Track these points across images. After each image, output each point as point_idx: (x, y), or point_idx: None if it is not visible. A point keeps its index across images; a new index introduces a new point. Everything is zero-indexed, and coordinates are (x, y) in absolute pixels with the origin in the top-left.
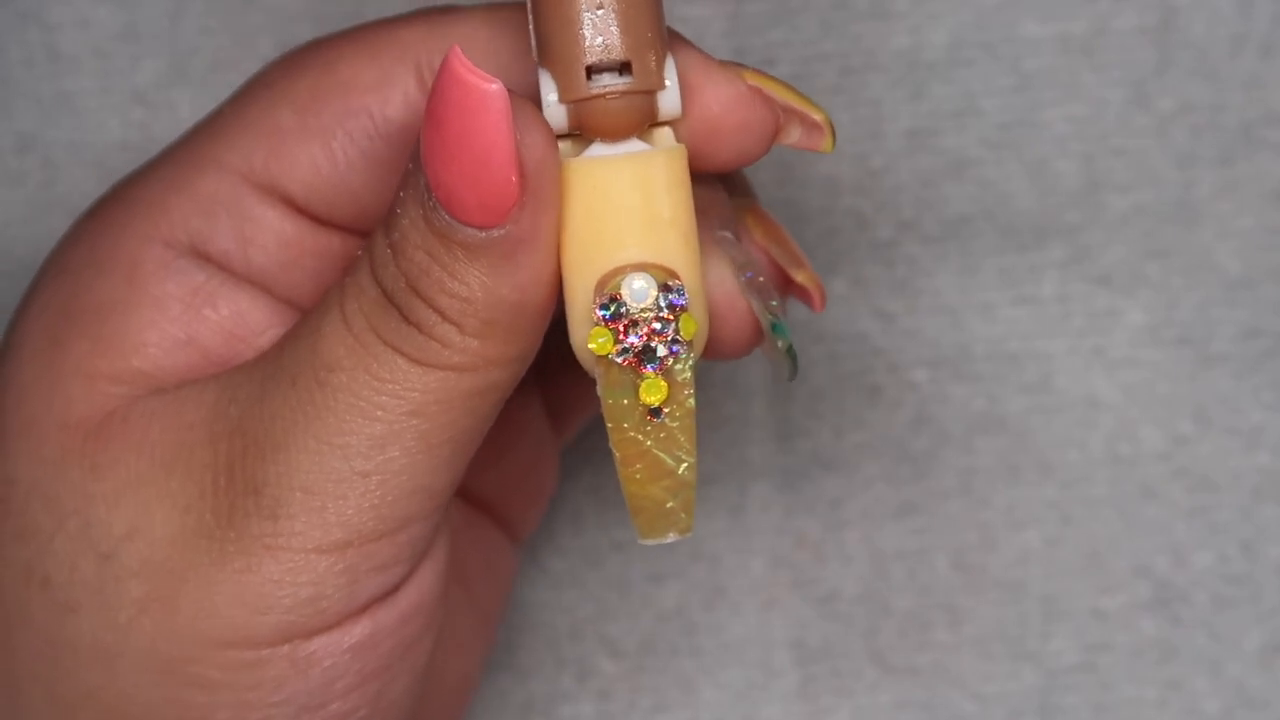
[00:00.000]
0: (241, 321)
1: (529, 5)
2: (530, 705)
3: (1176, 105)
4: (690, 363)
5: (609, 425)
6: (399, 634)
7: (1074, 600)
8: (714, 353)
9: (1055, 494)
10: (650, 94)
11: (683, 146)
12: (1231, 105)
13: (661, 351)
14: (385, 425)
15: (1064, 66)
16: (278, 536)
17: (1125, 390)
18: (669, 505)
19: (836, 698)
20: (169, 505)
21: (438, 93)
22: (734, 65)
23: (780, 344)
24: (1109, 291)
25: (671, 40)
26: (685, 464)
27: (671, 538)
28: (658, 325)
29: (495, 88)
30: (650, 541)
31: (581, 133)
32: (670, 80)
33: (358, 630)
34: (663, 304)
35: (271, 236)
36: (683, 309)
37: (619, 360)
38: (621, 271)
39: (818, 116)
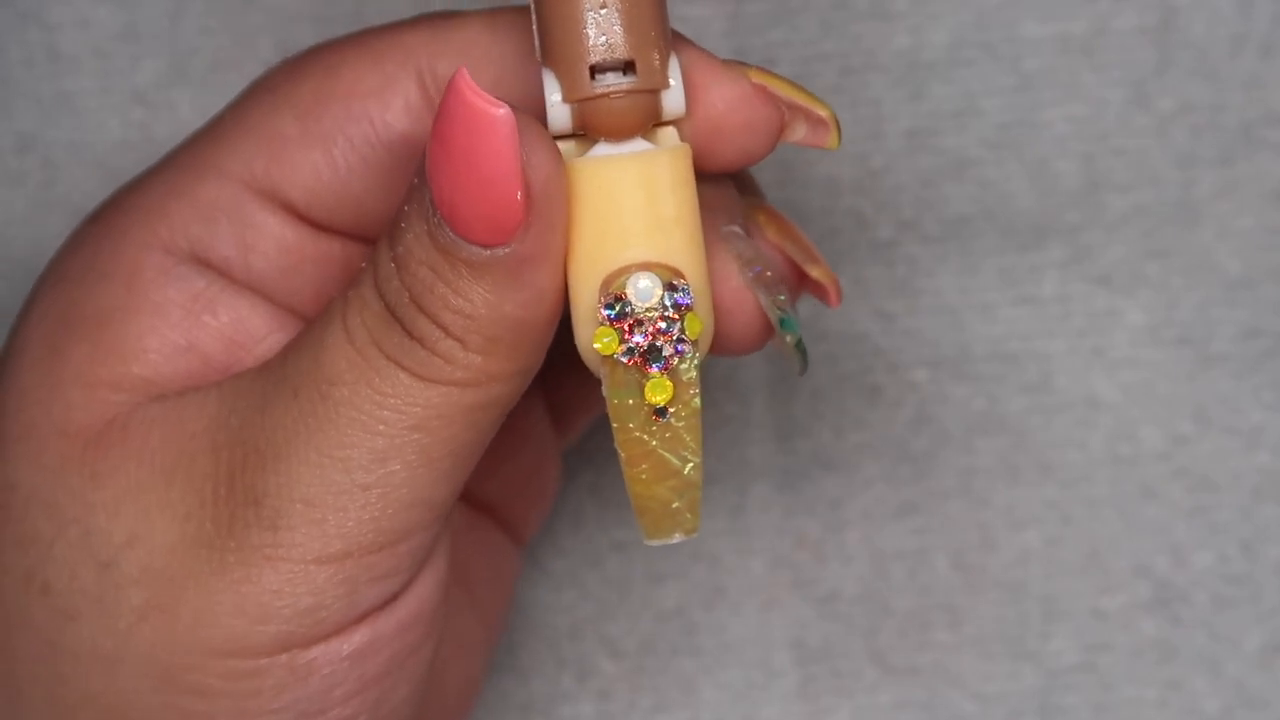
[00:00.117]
0: (242, 328)
1: (532, 6)
2: (530, 705)
3: (1176, 105)
4: (696, 362)
5: (614, 425)
6: (398, 642)
7: (1074, 600)
8: (723, 349)
9: (1055, 494)
10: (654, 93)
11: (687, 146)
12: (1231, 105)
13: (667, 351)
14: (387, 439)
15: (1064, 66)
16: (278, 547)
17: (1125, 390)
18: (675, 505)
19: (836, 698)
20: (169, 514)
21: (444, 113)
22: (738, 64)
23: (789, 339)
24: (1109, 291)
25: (675, 40)
26: (691, 464)
27: (677, 538)
28: (663, 325)
29: (502, 112)
30: (656, 542)
31: (586, 133)
32: (674, 79)
33: (356, 638)
34: (668, 303)
35: (272, 243)
36: (688, 308)
37: (624, 360)
38: (626, 271)
39: (823, 113)
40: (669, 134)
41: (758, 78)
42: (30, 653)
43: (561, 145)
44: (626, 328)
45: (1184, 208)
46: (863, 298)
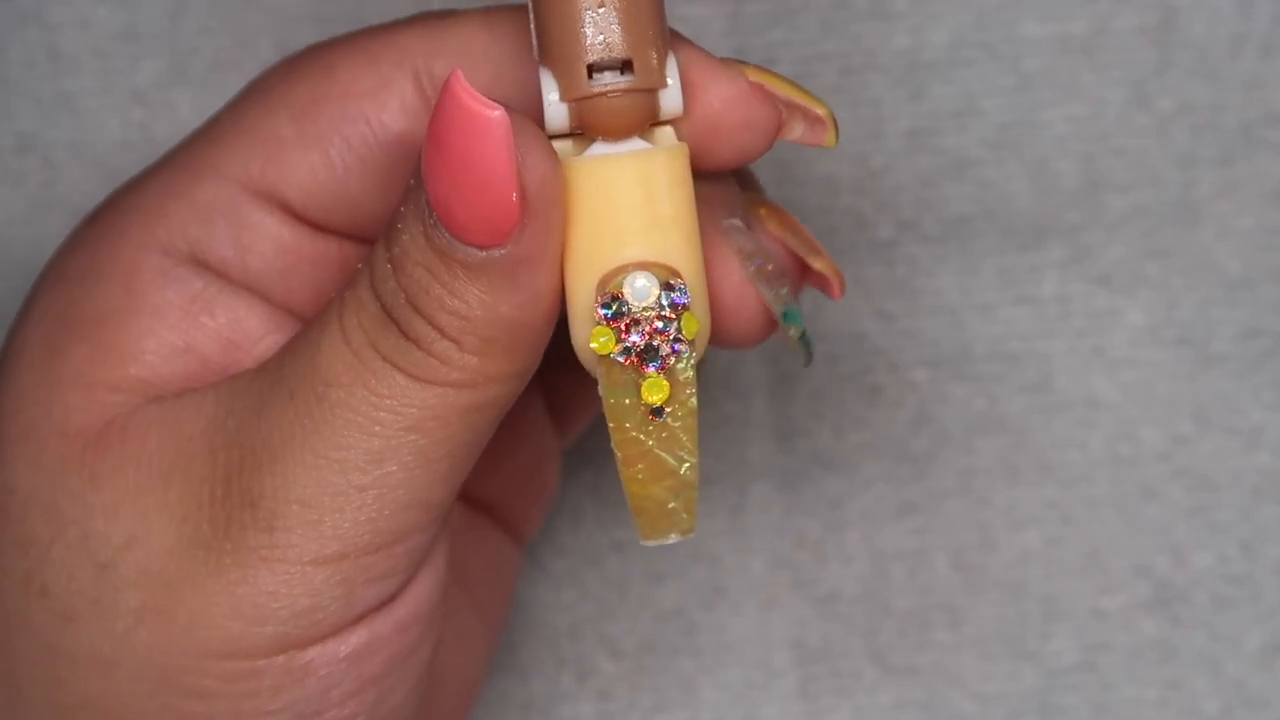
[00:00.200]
0: (239, 328)
1: (530, 4)
2: (530, 705)
3: (1176, 105)
4: (692, 362)
5: (611, 425)
6: (396, 642)
7: (1074, 600)
8: (726, 342)
9: (1055, 494)
10: (652, 92)
11: (684, 145)
12: (1231, 105)
13: (664, 350)
14: (383, 440)
15: (1064, 66)
16: (274, 549)
17: (1125, 390)
18: (671, 505)
19: (836, 698)
20: (167, 516)
21: (439, 115)
22: (735, 62)
23: (793, 331)
24: (1109, 291)
25: (672, 39)
26: (687, 464)
27: (674, 538)
28: (660, 324)
29: (497, 114)
30: (652, 542)
31: (583, 132)
32: (672, 79)
33: (354, 639)
34: (665, 303)
35: (269, 243)
36: (685, 308)
37: (621, 359)
38: (623, 270)
39: (820, 111)
40: (666, 133)
41: (755, 76)
42: (29, 654)
43: (559, 144)
44: (623, 327)
45: (1184, 208)
46: (863, 298)
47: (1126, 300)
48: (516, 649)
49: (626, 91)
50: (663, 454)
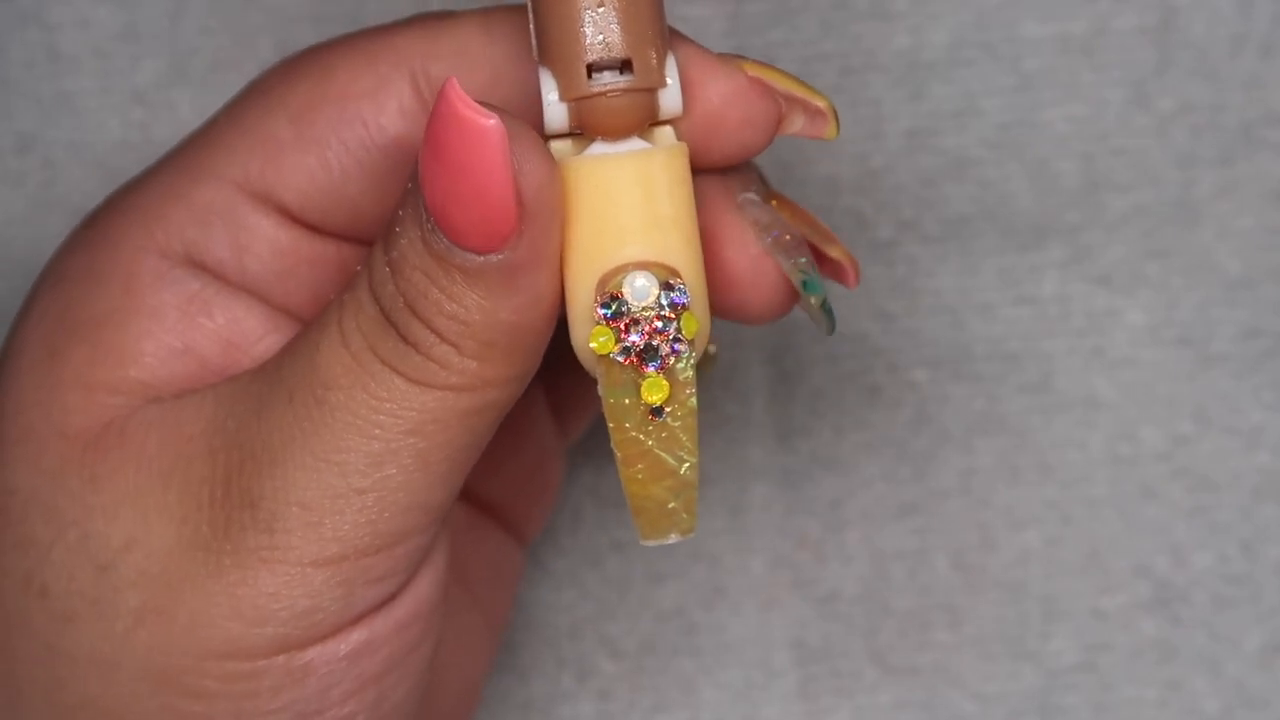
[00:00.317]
0: (238, 329)
1: (529, 4)
2: (530, 705)
3: (1176, 105)
4: (692, 361)
5: (610, 425)
6: (396, 641)
7: (1074, 600)
8: (747, 316)
9: (1055, 494)
10: (651, 92)
11: (684, 144)
12: (1231, 105)
13: (663, 350)
14: (383, 444)
15: (1064, 66)
16: (274, 550)
17: (1125, 390)
18: (671, 506)
19: (836, 698)
20: (166, 517)
21: (435, 123)
22: (734, 58)
23: (814, 300)
24: (1109, 291)
25: (670, 37)
26: (687, 464)
27: (674, 538)
28: (659, 324)
29: (493, 123)
30: (652, 543)
31: (583, 131)
32: (671, 78)
33: (353, 638)
34: (664, 302)
35: (266, 245)
36: (684, 307)
37: (620, 359)
38: (623, 270)
39: (820, 103)
40: (666, 133)
41: (754, 70)
42: (29, 655)
43: (558, 144)
44: (623, 327)
45: (1184, 208)
46: (863, 298)
47: (1126, 300)
48: (517, 649)
49: (626, 91)
50: (662, 454)
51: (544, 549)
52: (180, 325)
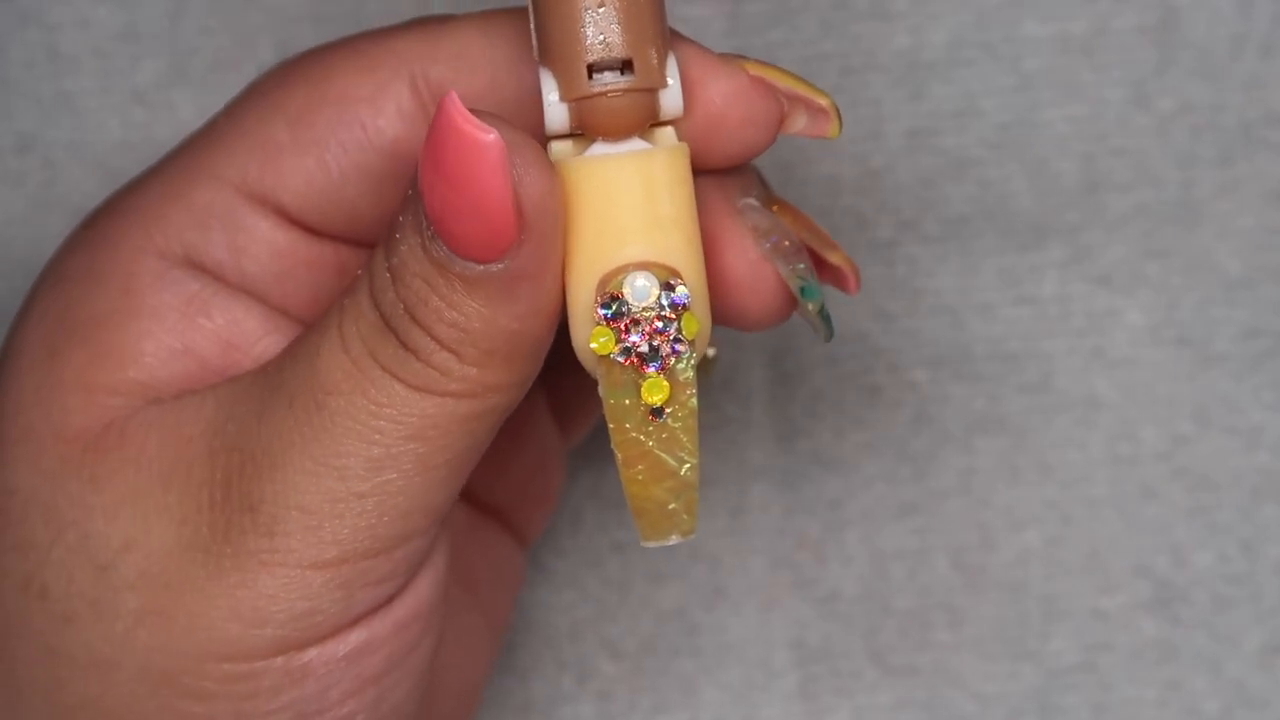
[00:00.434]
0: (237, 330)
1: (530, 4)
2: (530, 706)
3: (1176, 105)
4: (692, 362)
5: (610, 426)
6: (395, 641)
7: (1074, 600)
8: (746, 323)
9: (1055, 494)
10: (652, 92)
11: (685, 145)
12: (1231, 105)
13: (664, 351)
14: (383, 449)
15: (1064, 66)
16: (274, 552)
17: (1125, 390)
18: (671, 507)
19: (836, 698)
20: (166, 519)
21: (434, 137)
22: (735, 57)
23: (812, 306)
24: (1109, 291)
25: (671, 37)
26: (688, 465)
27: (674, 539)
28: (660, 324)
29: (492, 138)
30: (653, 544)
31: (583, 132)
32: (672, 79)
33: (352, 639)
34: (664, 303)
35: (264, 247)
36: (685, 308)
37: (620, 360)
38: (623, 270)
39: (823, 101)
40: (667, 133)
41: (755, 70)
42: (29, 656)
43: (559, 144)
44: (623, 327)
45: (1184, 208)
46: (863, 298)
47: (1126, 300)
48: (517, 650)
49: (626, 91)
50: (663, 455)
51: (544, 550)
52: (180, 326)
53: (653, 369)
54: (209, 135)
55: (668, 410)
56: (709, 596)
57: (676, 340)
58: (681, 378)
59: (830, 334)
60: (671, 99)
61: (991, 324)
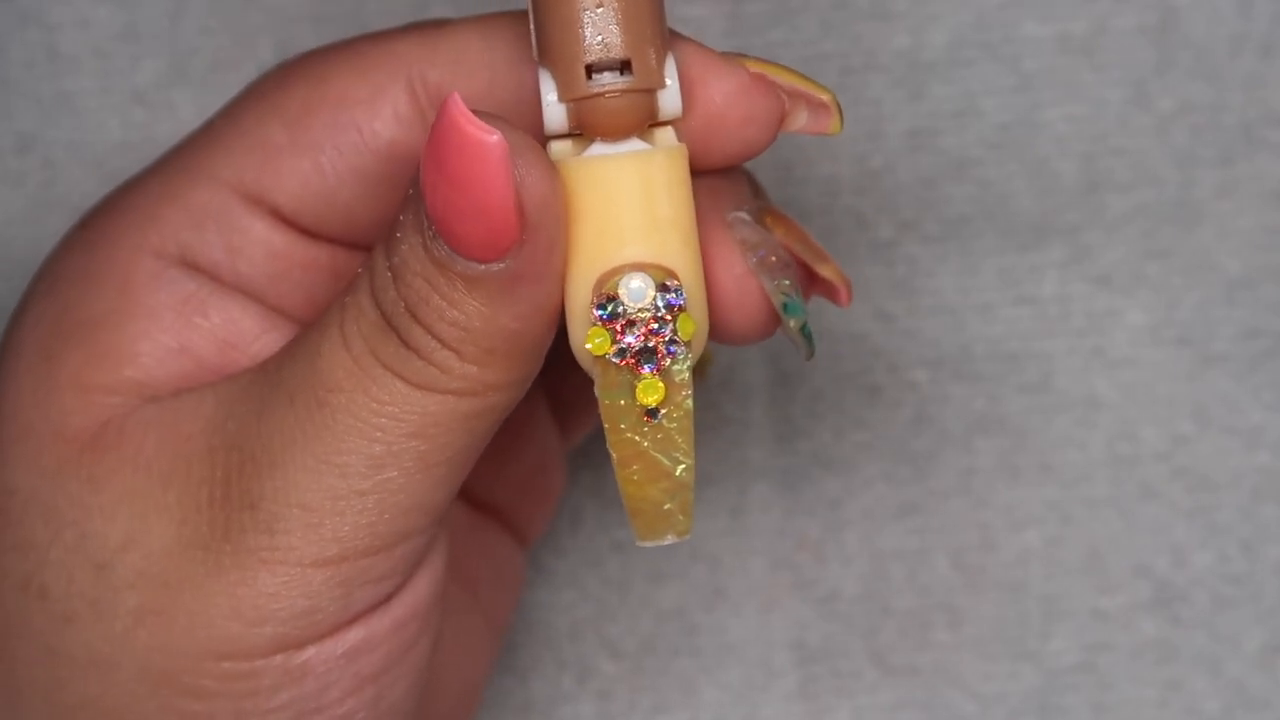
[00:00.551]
0: (234, 329)
1: (529, 4)
2: (530, 706)
3: (1176, 105)
4: (688, 363)
5: (606, 426)
6: (394, 639)
7: (1074, 600)
8: (731, 337)
9: (1055, 494)
10: (651, 93)
11: (683, 146)
12: (1231, 105)
13: (659, 352)
14: (384, 446)
15: (1064, 66)
16: (274, 550)
17: (1125, 390)
18: (666, 507)
19: (836, 698)
20: (165, 518)
21: (436, 138)
22: (735, 55)
23: (793, 324)
24: (1109, 291)
25: (670, 37)
26: (683, 465)
27: (670, 540)
28: (655, 325)
29: (494, 139)
30: (648, 544)
31: (582, 132)
32: (671, 79)
33: (351, 637)
34: (660, 304)
35: (259, 248)
36: (681, 309)
37: (616, 360)
38: (620, 271)
39: (824, 96)
40: (666, 134)
41: (756, 67)
42: (28, 656)
43: (558, 144)
44: (619, 328)
45: (1184, 208)
46: (863, 298)
47: (1126, 300)
48: (517, 650)
49: (625, 92)
50: (658, 455)
51: (544, 550)
52: (176, 325)
53: (648, 370)
54: (206, 136)
55: (663, 411)
56: (709, 596)
57: (672, 341)
58: (677, 379)
59: (811, 352)
60: (670, 99)
61: (991, 324)
